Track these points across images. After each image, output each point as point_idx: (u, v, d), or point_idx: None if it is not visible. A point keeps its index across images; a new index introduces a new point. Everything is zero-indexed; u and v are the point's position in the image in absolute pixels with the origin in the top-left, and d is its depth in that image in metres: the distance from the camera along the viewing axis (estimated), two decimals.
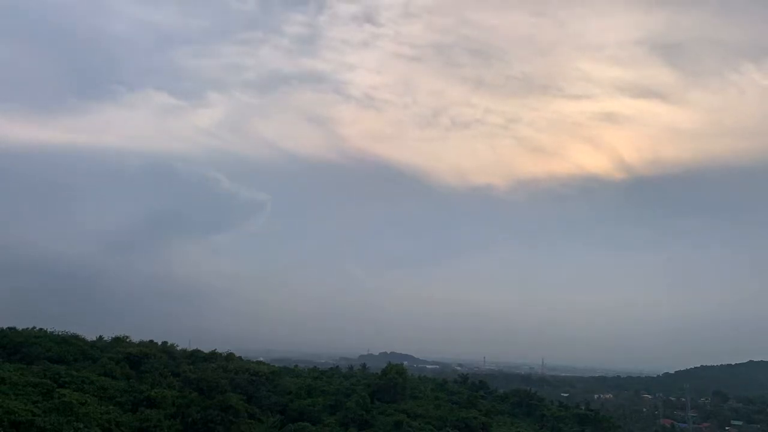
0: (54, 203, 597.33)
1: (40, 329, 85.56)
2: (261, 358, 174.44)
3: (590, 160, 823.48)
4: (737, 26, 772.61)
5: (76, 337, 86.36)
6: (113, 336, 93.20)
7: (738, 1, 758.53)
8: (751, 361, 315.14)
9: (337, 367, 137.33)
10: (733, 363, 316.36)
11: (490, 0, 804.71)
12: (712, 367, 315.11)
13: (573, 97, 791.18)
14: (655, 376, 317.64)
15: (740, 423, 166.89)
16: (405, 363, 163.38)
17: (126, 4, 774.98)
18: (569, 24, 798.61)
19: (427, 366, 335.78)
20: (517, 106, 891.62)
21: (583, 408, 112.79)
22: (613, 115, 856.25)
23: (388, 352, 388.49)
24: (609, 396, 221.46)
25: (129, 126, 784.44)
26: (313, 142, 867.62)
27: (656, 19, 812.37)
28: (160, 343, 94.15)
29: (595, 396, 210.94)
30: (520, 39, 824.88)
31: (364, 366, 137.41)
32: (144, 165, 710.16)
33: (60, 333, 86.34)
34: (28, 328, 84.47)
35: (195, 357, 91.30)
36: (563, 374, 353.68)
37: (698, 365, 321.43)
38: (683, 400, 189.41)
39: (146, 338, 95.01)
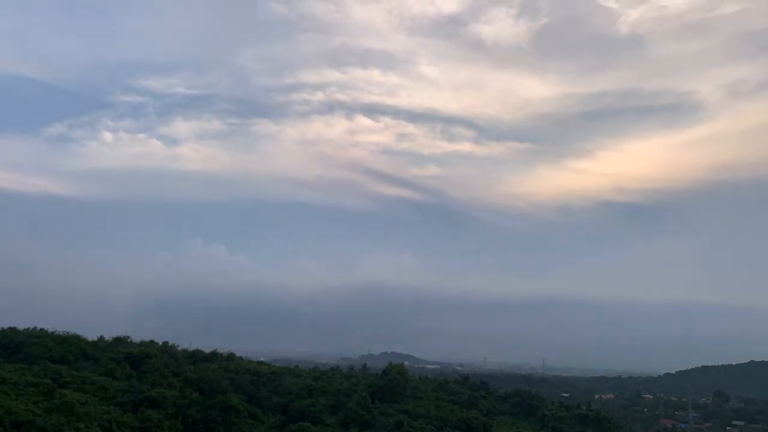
0: None
1: (41, 329, 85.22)
2: (262, 359, 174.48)
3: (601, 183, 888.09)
4: None
5: (76, 337, 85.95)
6: (114, 336, 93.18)
7: None
8: (752, 362, 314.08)
9: (338, 367, 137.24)
10: (734, 363, 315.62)
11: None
12: (713, 367, 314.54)
13: None
14: (656, 376, 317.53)
15: (741, 423, 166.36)
16: (406, 363, 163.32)
17: None
18: None
19: (428, 366, 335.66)
20: None
21: (584, 408, 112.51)
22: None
23: (389, 352, 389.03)
24: (610, 396, 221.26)
25: None
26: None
27: None
28: (160, 343, 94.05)
29: (596, 396, 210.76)
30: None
31: (364, 366, 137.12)
32: None
33: (61, 333, 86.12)
34: (28, 328, 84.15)
35: (196, 357, 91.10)
36: (564, 374, 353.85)
37: (699, 365, 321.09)
38: (684, 400, 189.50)
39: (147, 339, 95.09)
